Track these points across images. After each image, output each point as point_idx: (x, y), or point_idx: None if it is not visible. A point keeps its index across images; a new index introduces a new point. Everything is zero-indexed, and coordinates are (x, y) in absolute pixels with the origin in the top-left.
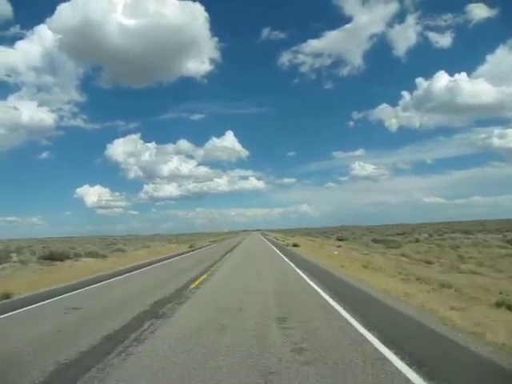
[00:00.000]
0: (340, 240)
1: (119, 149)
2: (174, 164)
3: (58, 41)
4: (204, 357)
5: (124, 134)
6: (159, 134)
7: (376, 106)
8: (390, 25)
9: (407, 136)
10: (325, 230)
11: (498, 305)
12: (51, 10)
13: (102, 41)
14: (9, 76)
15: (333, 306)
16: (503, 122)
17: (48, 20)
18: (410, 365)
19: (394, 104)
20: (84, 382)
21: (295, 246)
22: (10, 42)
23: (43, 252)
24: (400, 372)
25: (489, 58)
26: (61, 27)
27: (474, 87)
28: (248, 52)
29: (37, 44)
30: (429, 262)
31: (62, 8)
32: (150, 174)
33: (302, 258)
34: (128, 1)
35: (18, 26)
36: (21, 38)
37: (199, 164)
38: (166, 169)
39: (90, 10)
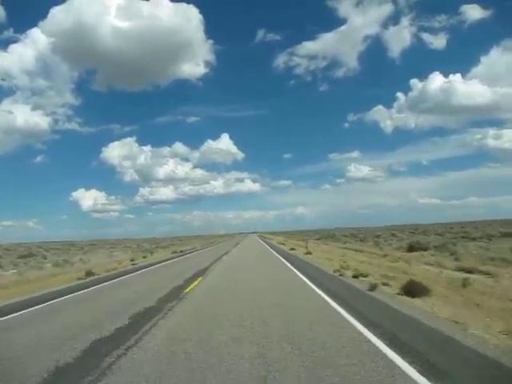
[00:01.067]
0: (418, 249)
1: (115, 152)
2: (169, 167)
3: (52, 44)
4: None
5: (119, 138)
6: (155, 137)
7: (371, 107)
8: (385, 26)
9: (402, 137)
10: (325, 232)
11: None
12: (44, 14)
13: (95, 43)
14: (3, 80)
15: None
16: (498, 123)
17: (41, 23)
18: None
19: (389, 106)
20: None
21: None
22: (4, 45)
23: None
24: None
25: (483, 59)
26: (54, 30)
27: (469, 88)
28: (243, 54)
29: (30, 47)
30: None
31: (54, 11)
32: (146, 178)
33: None
34: (121, 3)
35: (11, 29)
36: (14, 41)
37: (195, 167)
38: (161, 172)
39: (83, 13)
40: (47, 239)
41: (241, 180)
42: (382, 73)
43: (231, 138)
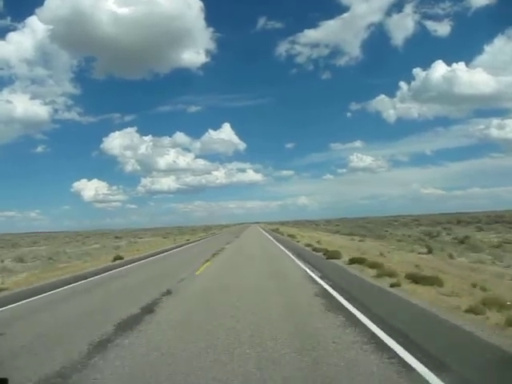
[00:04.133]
0: None
1: (115, 142)
2: (171, 157)
3: (50, 31)
4: None
5: (120, 127)
6: (155, 126)
7: (374, 96)
8: (388, 14)
9: (405, 127)
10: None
11: None
12: (41, 1)
13: (94, 30)
14: (1, 69)
15: None
16: (502, 113)
17: (38, 11)
18: None
19: (392, 95)
20: None
21: None
22: (1, 34)
23: None
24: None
25: (487, 47)
26: (51, 18)
27: (472, 77)
28: (244, 43)
29: (28, 36)
30: None
31: None
32: (147, 168)
33: None
34: None
35: (8, 17)
36: (12, 30)
37: (196, 157)
38: (163, 162)
39: None
40: (50, 229)
41: (243, 170)
42: (385, 61)
43: (233, 127)
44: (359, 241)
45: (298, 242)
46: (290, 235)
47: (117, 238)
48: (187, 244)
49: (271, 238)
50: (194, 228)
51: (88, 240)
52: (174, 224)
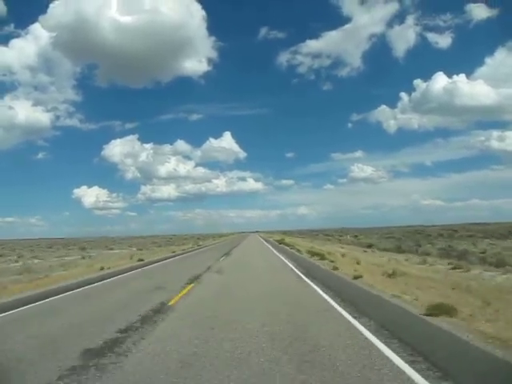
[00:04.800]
0: None
1: (116, 149)
2: (171, 165)
3: (53, 39)
4: None
5: (121, 135)
6: (156, 134)
7: (375, 107)
8: (390, 25)
9: (406, 138)
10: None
11: None
12: (45, 8)
13: (97, 38)
14: (4, 75)
15: None
16: (502, 125)
17: (41, 18)
18: None
19: (392, 106)
20: None
21: None
22: (5, 40)
23: None
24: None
25: (488, 59)
26: (55, 25)
27: (473, 89)
28: (246, 52)
29: (31, 42)
30: None
31: (54, 5)
32: (148, 175)
33: None
34: None
35: (12, 24)
36: (15, 36)
37: (197, 165)
38: (163, 170)
39: (84, 7)
40: (50, 236)
41: (243, 179)
42: (386, 72)
43: (233, 136)
44: (452, 268)
45: (356, 276)
46: (313, 253)
47: (82, 249)
48: (144, 266)
49: (289, 264)
50: (187, 237)
51: (52, 251)
52: (172, 232)
